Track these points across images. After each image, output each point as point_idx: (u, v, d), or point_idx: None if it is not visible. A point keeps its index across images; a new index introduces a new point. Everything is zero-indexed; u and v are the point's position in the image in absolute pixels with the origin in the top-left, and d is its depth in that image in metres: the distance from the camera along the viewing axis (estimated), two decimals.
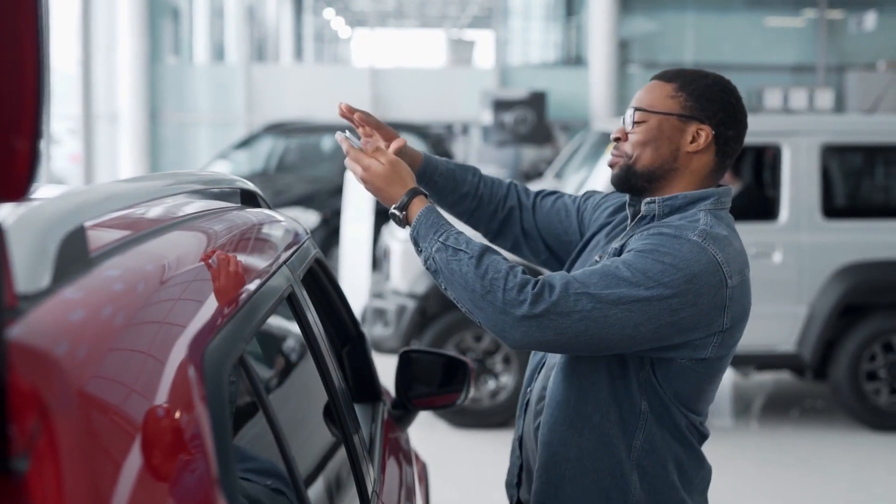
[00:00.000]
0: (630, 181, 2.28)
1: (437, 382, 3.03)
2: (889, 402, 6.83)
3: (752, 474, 6.22)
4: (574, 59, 18.19)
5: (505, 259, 2.13)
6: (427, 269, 2.17)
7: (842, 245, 6.68)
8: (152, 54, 15.18)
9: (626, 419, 2.19)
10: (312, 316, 2.06)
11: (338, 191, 10.42)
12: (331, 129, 12.59)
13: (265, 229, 2.01)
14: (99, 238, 1.43)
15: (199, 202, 2.01)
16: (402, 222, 2.20)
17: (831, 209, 6.85)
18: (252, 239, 1.87)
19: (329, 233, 10.45)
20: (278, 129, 12.55)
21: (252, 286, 1.62)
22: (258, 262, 1.75)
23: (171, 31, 17.72)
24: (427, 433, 6.78)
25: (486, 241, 2.31)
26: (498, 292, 2.05)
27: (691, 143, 2.24)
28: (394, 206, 2.21)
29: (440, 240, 2.13)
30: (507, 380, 6.83)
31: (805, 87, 15.12)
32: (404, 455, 2.94)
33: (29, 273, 1.11)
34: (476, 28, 33.35)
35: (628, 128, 2.28)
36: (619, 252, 2.21)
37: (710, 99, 2.25)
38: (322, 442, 2.03)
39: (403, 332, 6.79)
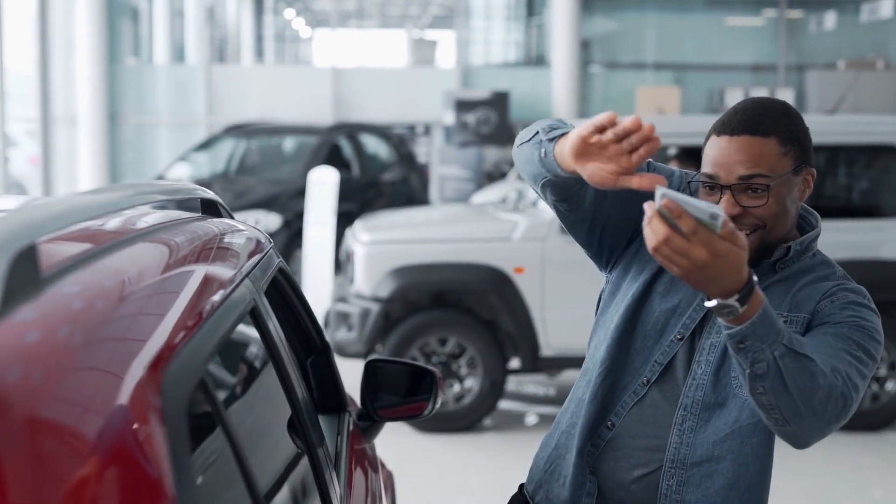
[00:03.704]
0: (762, 257, 2.15)
1: (403, 392, 2.97)
2: None
3: None
4: (535, 59, 18.20)
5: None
6: (753, 371, 1.86)
7: None
8: (111, 55, 15.03)
9: (769, 475, 2.25)
10: (275, 328, 2.00)
11: (300, 193, 10.34)
12: (292, 130, 12.51)
13: (226, 239, 1.95)
14: (53, 255, 1.37)
15: (158, 214, 1.95)
16: (734, 313, 1.81)
17: None
18: (213, 250, 1.81)
19: (291, 235, 10.37)
20: (239, 130, 12.44)
21: (214, 300, 1.56)
22: (219, 274, 1.70)
23: (131, 32, 17.56)
24: (391, 438, 6.72)
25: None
26: (829, 402, 1.90)
27: (804, 191, 2.16)
28: (734, 297, 1.79)
29: (784, 342, 1.85)
30: (471, 383, 6.79)
31: (766, 87, 15.21)
32: (371, 465, 2.89)
33: None
34: (437, 28, 33.34)
35: (747, 200, 2.08)
36: (810, 319, 2.12)
37: (806, 140, 2.14)
38: (285, 456, 1.97)
39: (367, 336, 6.73)
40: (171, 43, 18.82)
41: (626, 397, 2.23)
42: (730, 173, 2.08)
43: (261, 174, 11.79)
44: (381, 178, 12.59)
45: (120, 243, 1.55)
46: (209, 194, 2.25)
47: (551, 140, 2.02)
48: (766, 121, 2.09)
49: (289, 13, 33.73)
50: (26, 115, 15.37)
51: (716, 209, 1.70)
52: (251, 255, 2.00)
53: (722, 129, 2.11)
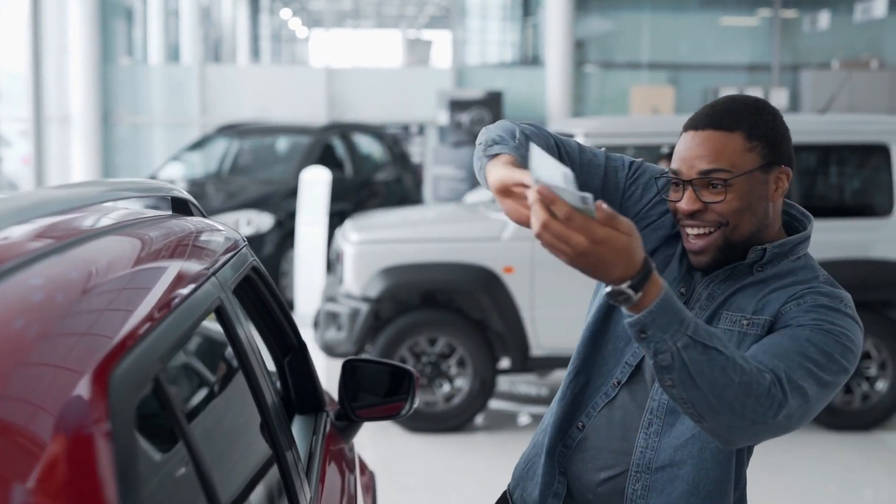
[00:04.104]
0: (729, 258, 2.09)
1: (384, 392, 2.96)
2: (844, 401, 6.83)
3: None
4: (531, 58, 18.18)
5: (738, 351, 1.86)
6: (657, 363, 1.78)
7: None
8: (104, 55, 15.00)
9: (737, 486, 2.15)
10: (244, 329, 1.97)
11: (292, 193, 10.33)
12: (285, 130, 12.49)
13: (192, 238, 1.92)
14: (4, 251, 1.36)
15: (123, 211, 1.92)
16: (629, 301, 1.74)
17: None
18: (176, 248, 1.78)
19: (283, 235, 10.34)
20: (232, 130, 12.42)
21: (173, 298, 1.54)
22: (181, 271, 1.67)
23: (125, 32, 17.53)
24: (380, 437, 6.72)
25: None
26: (749, 399, 1.80)
27: (775, 191, 2.08)
28: (626, 283, 1.71)
29: (688, 333, 1.76)
30: (461, 383, 6.77)
31: (760, 87, 15.20)
32: (348, 466, 2.87)
33: None
34: (434, 28, 33.31)
35: (708, 196, 2.04)
36: (773, 322, 2.02)
37: (780, 137, 2.08)
38: (251, 463, 1.94)
39: (357, 336, 6.71)
40: (165, 43, 18.79)
41: (598, 398, 2.20)
42: (691, 168, 2.05)
43: (253, 174, 11.76)
44: (374, 178, 12.57)
45: (79, 240, 1.53)
46: (181, 193, 2.23)
47: (489, 156, 2.01)
48: (732, 115, 2.05)
49: (285, 13, 33.71)
50: (20, 114, 15.34)
51: (587, 194, 1.64)
52: (218, 254, 1.97)
53: (690, 124, 2.09)
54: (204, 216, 2.31)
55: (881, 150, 6.95)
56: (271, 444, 1.95)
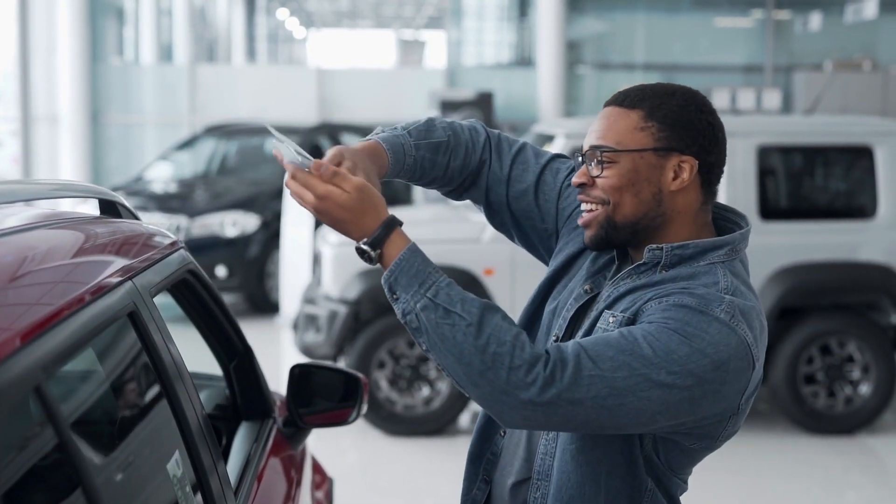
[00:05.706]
0: (612, 238, 1.99)
1: (338, 397, 2.91)
2: (827, 405, 6.77)
3: (691, 478, 6.13)
4: (527, 59, 18.15)
5: (508, 322, 1.81)
6: (406, 324, 1.79)
7: (779, 247, 6.62)
8: (94, 55, 14.93)
9: (635, 498, 2.00)
10: (163, 336, 1.89)
11: (278, 194, 10.27)
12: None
13: (107, 240, 1.86)
14: None
15: (39, 212, 1.86)
16: (373, 261, 1.79)
17: (768, 211, 6.78)
18: (83, 251, 1.72)
19: (269, 236, 10.31)
20: (220, 130, 12.37)
21: (70, 305, 1.47)
22: (85, 276, 1.60)
23: (115, 32, 17.48)
24: (360, 441, 6.66)
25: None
26: (501, 371, 1.75)
27: (674, 179, 1.95)
28: (364, 240, 1.79)
29: (428, 295, 1.76)
30: (441, 386, 6.70)
31: (753, 88, 15.14)
32: (297, 472, 2.81)
33: None
34: (432, 29, 33.29)
35: (593, 171, 1.97)
36: (632, 320, 1.90)
37: (686, 123, 1.96)
38: (163, 485, 1.85)
39: (335, 338, 6.65)
40: (157, 43, 18.73)
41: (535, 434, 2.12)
42: (587, 143, 2.01)
43: (241, 174, 11.71)
44: None
45: None
46: (110, 195, 2.16)
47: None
48: (638, 96, 1.98)
49: (282, 13, 33.68)
50: (10, 114, 15.27)
51: (297, 155, 1.85)
52: (139, 258, 1.90)
53: (604, 103, 2.06)
54: (136, 218, 2.25)
55: (865, 152, 6.90)
56: (190, 461, 1.87)
